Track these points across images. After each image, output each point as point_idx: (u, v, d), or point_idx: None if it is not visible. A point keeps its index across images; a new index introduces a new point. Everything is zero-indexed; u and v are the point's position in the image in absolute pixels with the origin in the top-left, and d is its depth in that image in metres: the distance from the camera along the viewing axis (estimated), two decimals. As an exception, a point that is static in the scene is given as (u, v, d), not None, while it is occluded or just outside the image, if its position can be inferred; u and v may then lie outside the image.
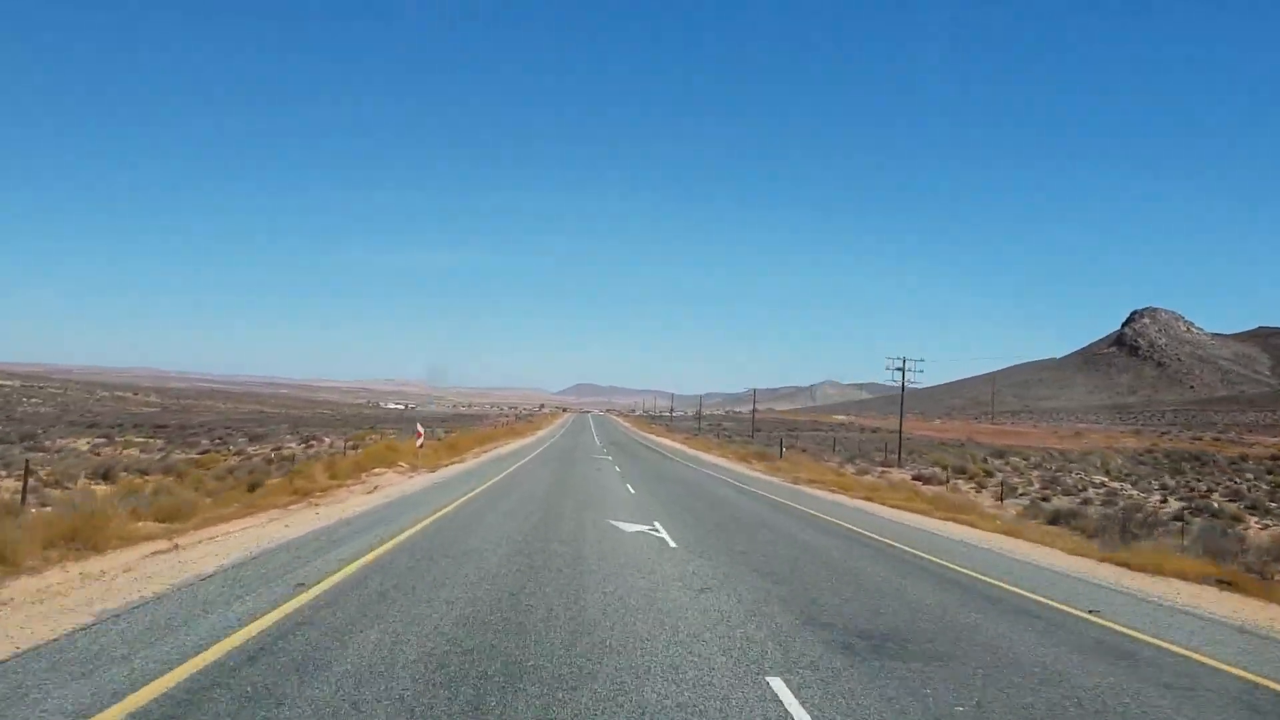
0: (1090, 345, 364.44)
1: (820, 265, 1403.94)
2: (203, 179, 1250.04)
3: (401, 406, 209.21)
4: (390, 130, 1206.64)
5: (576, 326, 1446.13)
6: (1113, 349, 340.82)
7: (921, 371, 61.65)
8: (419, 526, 15.63)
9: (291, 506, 18.25)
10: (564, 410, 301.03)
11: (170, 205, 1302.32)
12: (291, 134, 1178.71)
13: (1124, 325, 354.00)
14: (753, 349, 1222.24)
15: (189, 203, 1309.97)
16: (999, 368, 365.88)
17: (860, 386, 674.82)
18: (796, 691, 6.58)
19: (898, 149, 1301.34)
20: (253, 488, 23.84)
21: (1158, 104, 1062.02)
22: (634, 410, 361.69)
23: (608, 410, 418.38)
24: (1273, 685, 7.70)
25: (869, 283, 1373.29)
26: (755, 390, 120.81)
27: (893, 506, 27.01)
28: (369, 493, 22.41)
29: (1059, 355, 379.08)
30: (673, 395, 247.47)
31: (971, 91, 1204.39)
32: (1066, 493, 43.93)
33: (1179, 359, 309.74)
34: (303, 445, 58.43)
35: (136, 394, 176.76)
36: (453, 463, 38.39)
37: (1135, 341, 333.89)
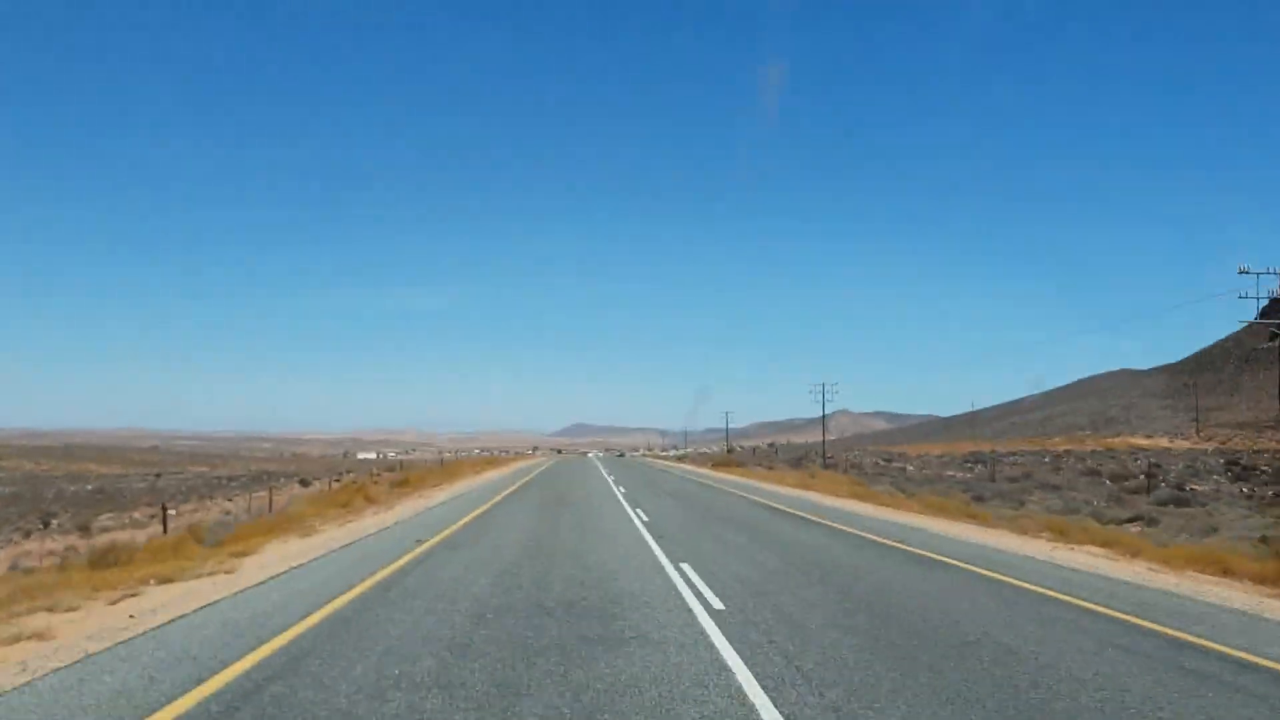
0: (1192, 356, 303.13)
1: (821, 288, 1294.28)
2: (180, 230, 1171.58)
3: (373, 456, 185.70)
4: (375, 167, 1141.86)
5: (571, 368, 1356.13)
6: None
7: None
8: None
9: None
10: (558, 452, 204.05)
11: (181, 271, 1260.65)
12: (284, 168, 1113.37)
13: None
14: (746, 383, 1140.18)
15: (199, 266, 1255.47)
16: (1049, 386, 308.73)
17: (876, 415, 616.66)
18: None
19: (899, 168, 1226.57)
20: None
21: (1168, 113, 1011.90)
22: (645, 449, 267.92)
23: (607, 449, 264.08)
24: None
25: (874, 304, 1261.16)
26: (762, 424, 78.92)
27: None
28: None
29: (1129, 367, 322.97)
30: (685, 432, 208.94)
31: (961, 91, 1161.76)
32: None
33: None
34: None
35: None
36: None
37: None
